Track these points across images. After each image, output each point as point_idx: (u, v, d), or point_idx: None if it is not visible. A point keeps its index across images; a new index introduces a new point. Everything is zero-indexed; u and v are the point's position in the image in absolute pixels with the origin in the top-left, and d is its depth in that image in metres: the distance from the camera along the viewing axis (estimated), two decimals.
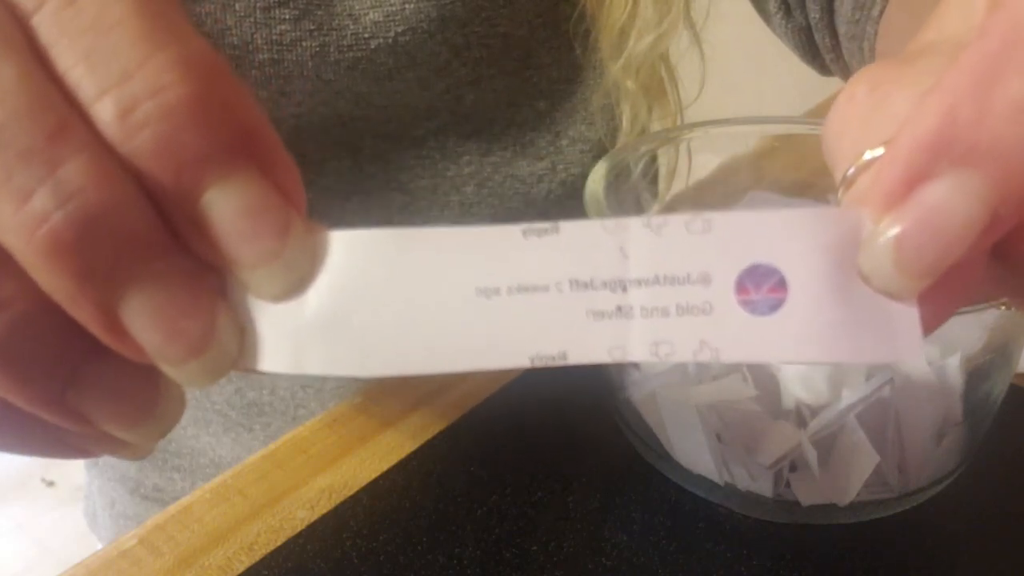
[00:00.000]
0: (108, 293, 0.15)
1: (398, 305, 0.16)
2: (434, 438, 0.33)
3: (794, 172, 0.35)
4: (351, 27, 0.37)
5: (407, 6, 0.38)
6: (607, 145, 0.47)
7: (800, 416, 0.27)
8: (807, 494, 0.27)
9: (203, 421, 0.47)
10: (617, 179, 0.31)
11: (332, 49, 0.37)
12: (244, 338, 0.16)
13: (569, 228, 0.16)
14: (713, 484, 0.29)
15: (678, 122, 0.48)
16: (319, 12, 0.37)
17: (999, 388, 0.28)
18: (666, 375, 0.29)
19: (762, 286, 0.15)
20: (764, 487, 0.28)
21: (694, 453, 0.28)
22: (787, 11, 0.44)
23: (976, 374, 0.27)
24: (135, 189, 0.15)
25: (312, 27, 0.37)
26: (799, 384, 0.27)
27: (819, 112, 0.69)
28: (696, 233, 0.15)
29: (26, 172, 0.14)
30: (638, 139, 0.41)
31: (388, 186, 0.43)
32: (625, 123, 0.45)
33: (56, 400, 0.16)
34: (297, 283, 0.16)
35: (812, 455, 0.27)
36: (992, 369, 0.27)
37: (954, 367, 0.27)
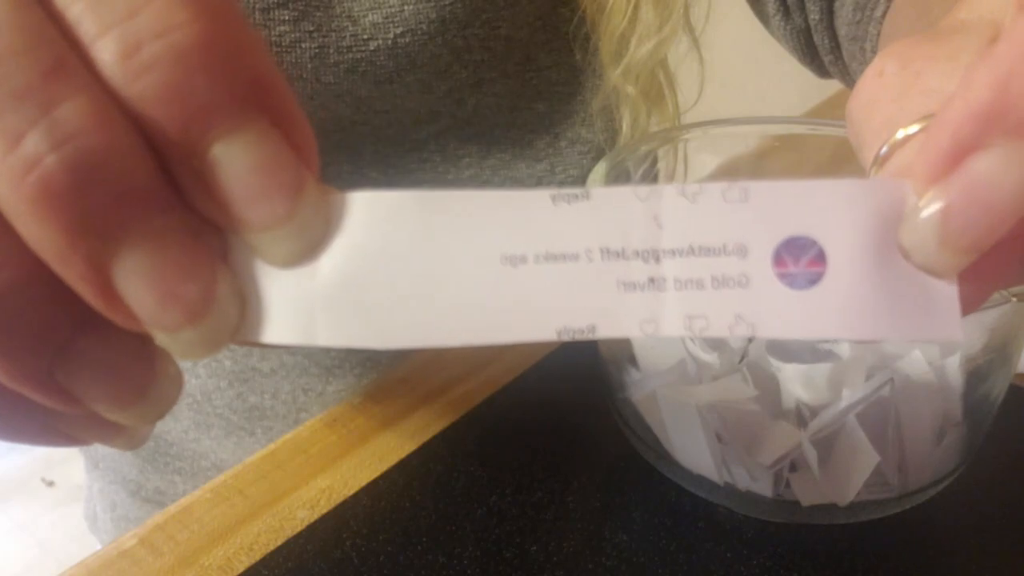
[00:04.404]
0: (101, 249, 0.13)
1: (418, 272, 0.15)
2: (434, 438, 0.33)
3: (794, 172, 0.35)
4: (350, 28, 0.37)
5: (406, 7, 0.38)
6: (605, 148, 0.47)
7: (800, 416, 0.27)
8: (807, 494, 0.27)
9: (204, 425, 0.47)
10: (616, 180, 0.31)
11: (331, 51, 0.37)
12: (246, 307, 0.15)
13: (600, 194, 0.15)
14: (713, 484, 0.29)
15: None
16: (318, 14, 0.37)
17: (999, 388, 0.28)
18: (666, 375, 0.29)
19: (800, 259, 0.14)
20: (764, 487, 0.28)
21: (694, 453, 0.28)
22: (786, 13, 0.44)
23: (976, 374, 0.27)
24: (136, 137, 0.13)
25: (311, 28, 0.37)
26: (799, 384, 0.27)
27: (819, 112, 0.69)
28: (733, 202, 0.15)
29: (18, 112, 0.12)
30: (637, 139, 0.41)
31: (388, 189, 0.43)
32: (625, 128, 0.45)
33: (42, 377, 0.14)
34: (309, 248, 0.15)
35: (812, 455, 0.27)
36: (992, 369, 0.27)
37: (954, 367, 0.27)
